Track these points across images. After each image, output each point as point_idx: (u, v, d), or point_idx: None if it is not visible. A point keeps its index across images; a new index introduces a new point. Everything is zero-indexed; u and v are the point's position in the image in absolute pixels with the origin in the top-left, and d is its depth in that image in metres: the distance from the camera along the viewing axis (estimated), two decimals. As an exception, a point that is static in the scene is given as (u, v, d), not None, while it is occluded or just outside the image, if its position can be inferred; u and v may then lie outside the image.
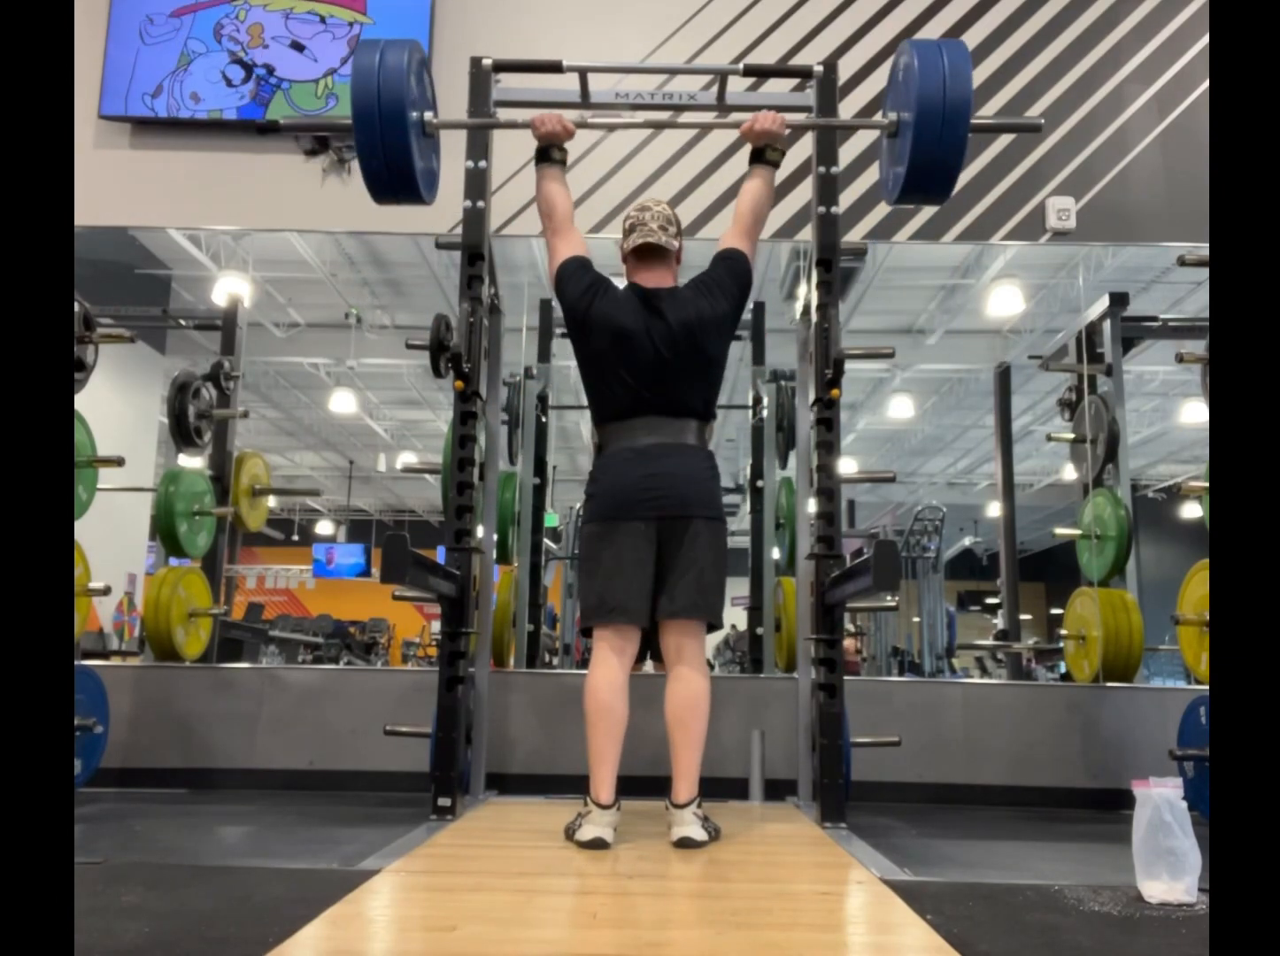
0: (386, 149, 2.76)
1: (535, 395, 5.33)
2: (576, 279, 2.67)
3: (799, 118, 3.41)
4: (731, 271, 2.71)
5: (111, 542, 6.15)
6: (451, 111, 3.28)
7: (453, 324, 3.37)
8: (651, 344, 2.59)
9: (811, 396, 3.30)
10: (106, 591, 3.71)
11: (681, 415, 2.62)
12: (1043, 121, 3.13)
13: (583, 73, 3.31)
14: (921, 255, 6.71)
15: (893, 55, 2.95)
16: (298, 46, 4.44)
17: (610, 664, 2.53)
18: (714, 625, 2.64)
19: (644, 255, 2.68)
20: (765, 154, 2.81)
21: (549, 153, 2.82)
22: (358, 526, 16.53)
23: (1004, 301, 7.22)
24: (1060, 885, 2.09)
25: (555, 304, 3.66)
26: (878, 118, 2.97)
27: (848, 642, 7.47)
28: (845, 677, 2.96)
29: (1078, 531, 4.87)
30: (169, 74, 4.43)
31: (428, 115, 2.93)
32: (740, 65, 3.49)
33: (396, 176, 2.83)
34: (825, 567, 3.06)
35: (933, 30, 4.54)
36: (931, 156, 2.70)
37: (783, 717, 3.72)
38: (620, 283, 2.73)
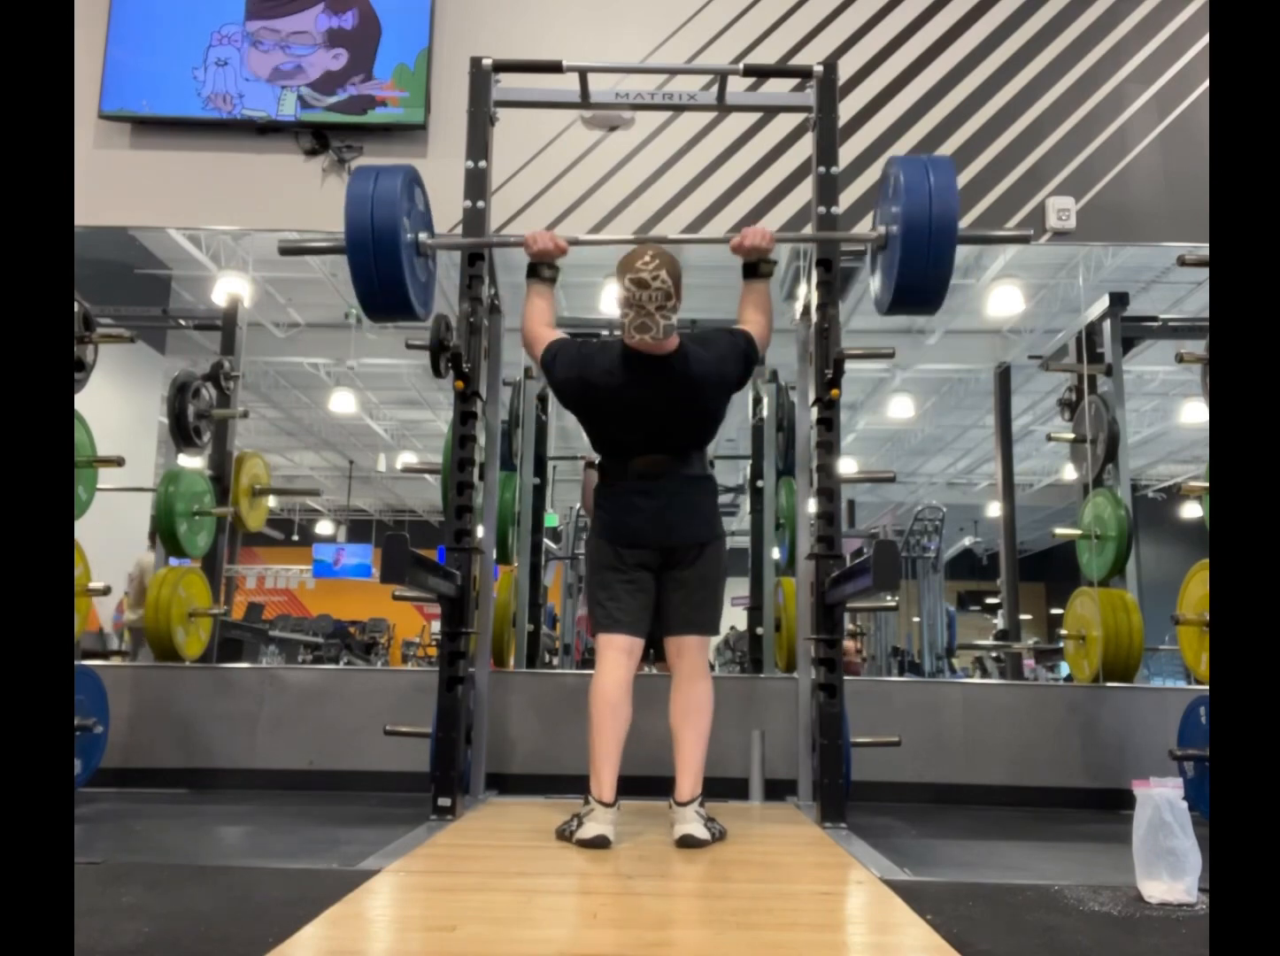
0: (380, 274, 2.78)
1: (535, 395, 5.33)
2: (562, 367, 2.65)
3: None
4: (745, 356, 2.68)
5: (111, 543, 6.15)
6: (452, 112, 3.29)
7: (453, 324, 3.37)
8: (649, 401, 2.59)
9: (811, 396, 3.30)
10: (106, 591, 3.71)
11: (680, 452, 2.67)
12: (1031, 233, 3.16)
13: (583, 73, 3.31)
14: (921, 255, 6.69)
15: (883, 170, 2.97)
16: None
17: (618, 664, 2.58)
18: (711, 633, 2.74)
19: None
20: (759, 268, 2.78)
21: (539, 270, 2.79)
22: (358, 526, 16.55)
23: (1004, 301, 7.22)
24: (1060, 885, 2.09)
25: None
26: (867, 231, 3.00)
27: (847, 643, 7.47)
28: (845, 677, 2.97)
29: (1078, 531, 4.87)
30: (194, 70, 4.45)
31: (422, 236, 2.94)
32: (740, 65, 3.49)
33: (391, 299, 2.85)
34: (825, 567, 3.06)
35: (933, 30, 4.54)
36: (920, 272, 2.75)
37: (783, 717, 3.72)
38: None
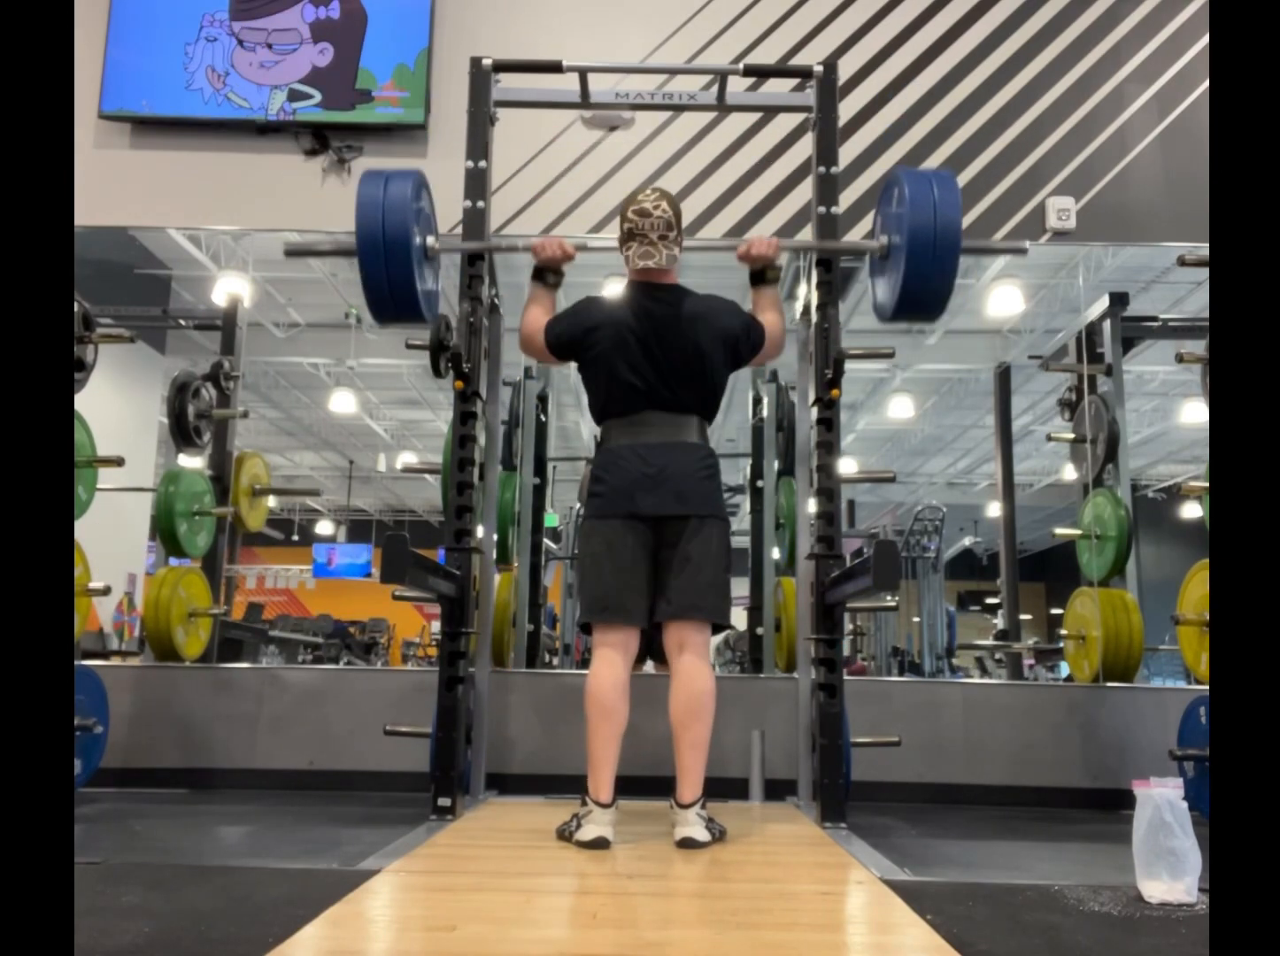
0: (391, 278, 2.81)
1: (535, 395, 5.33)
2: (566, 324, 2.71)
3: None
4: (746, 325, 2.73)
5: (111, 543, 6.15)
6: (452, 112, 3.29)
7: (453, 324, 3.37)
8: (651, 336, 2.61)
9: (811, 396, 3.30)
10: (106, 591, 3.70)
11: (681, 411, 2.63)
12: (1028, 245, 3.20)
13: (583, 73, 3.31)
14: (921, 255, 6.69)
15: (885, 181, 3.01)
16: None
17: (613, 663, 2.53)
18: (720, 624, 2.62)
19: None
20: (765, 275, 2.84)
21: (544, 275, 2.82)
22: (358, 526, 16.55)
23: (1004, 301, 7.22)
24: (1060, 885, 2.09)
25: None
26: (868, 240, 3.05)
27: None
28: (845, 677, 2.97)
29: (1078, 531, 4.87)
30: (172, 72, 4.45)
31: (430, 240, 2.97)
32: (740, 65, 3.49)
33: (400, 302, 2.88)
34: (825, 567, 3.06)
35: (933, 30, 4.53)
36: (924, 284, 2.80)
37: (783, 717, 3.72)
38: (613, 285, 2.77)
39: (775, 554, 5.13)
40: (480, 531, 3.33)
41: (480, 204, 3.22)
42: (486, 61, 3.29)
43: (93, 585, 3.68)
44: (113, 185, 4.46)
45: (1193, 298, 6.87)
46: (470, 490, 3.12)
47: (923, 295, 2.83)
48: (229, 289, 5.67)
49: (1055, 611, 13.88)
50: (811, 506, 3.24)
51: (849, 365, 3.19)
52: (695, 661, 2.55)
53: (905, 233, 2.77)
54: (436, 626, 10.43)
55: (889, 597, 4.81)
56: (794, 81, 4.04)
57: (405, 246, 2.79)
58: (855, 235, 4.35)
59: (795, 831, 2.82)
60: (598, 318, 2.68)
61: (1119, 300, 5.27)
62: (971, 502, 13.85)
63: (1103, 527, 4.68)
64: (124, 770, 3.86)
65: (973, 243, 2.94)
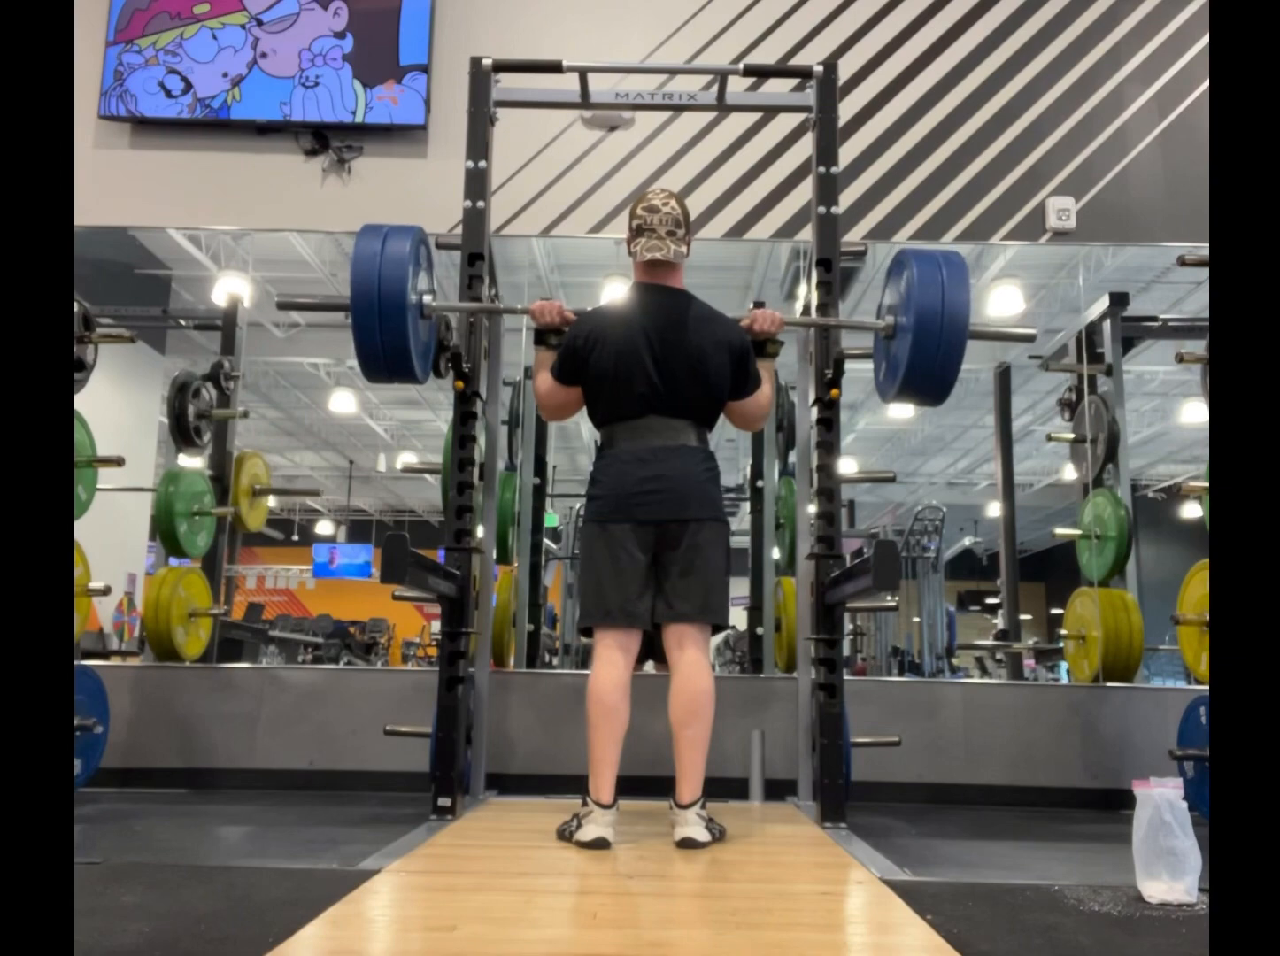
0: (384, 335, 2.77)
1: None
2: (568, 352, 2.69)
3: (796, 315, 3.43)
4: (745, 349, 2.72)
5: (111, 543, 6.15)
6: (452, 112, 3.29)
7: (453, 324, 3.37)
8: (655, 339, 2.61)
9: (811, 396, 3.30)
10: (106, 591, 3.71)
11: (682, 416, 2.64)
12: (1035, 333, 3.16)
13: (583, 73, 3.31)
14: (921, 255, 6.68)
15: (890, 261, 2.97)
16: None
17: (614, 664, 2.54)
18: (719, 625, 2.64)
19: (653, 263, 2.69)
20: (765, 348, 2.84)
21: (546, 338, 2.83)
22: (358, 526, 16.55)
23: (1004, 301, 7.21)
24: (1060, 885, 2.09)
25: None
26: (873, 319, 3.01)
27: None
28: (845, 677, 2.97)
29: (1078, 531, 4.87)
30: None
31: (426, 298, 2.93)
32: (740, 65, 3.49)
33: (394, 361, 2.84)
34: (825, 567, 3.06)
35: (933, 30, 4.54)
36: (930, 366, 2.76)
37: (783, 717, 3.72)
38: (614, 285, 2.76)
39: (775, 554, 5.13)
40: (480, 531, 3.33)
41: (480, 204, 3.22)
42: (486, 61, 3.29)
43: (93, 585, 3.68)
44: (113, 185, 4.46)
45: (1193, 298, 6.87)
46: (470, 490, 3.12)
47: (928, 379, 2.78)
48: (229, 289, 5.67)
49: (1055, 611, 13.88)
50: (811, 506, 3.24)
51: (849, 365, 3.20)
52: (695, 662, 2.56)
53: (912, 316, 2.72)
54: (436, 626, 10.43)
55: (889, 597, 4.81)
56: (794, 81, 4.04)
57: (401, 307, 2.74)
58: (856, 234, 4.35)
59: (795, 831, 2.82)
60: (596, 322, 2.69)
61: (1119, 300, 5.27)
62: (971, 502, 13.85)
63: (1103, 527, 4.68)
64: (124, 770, 3.86)
65: (980, 328, 2.87)
